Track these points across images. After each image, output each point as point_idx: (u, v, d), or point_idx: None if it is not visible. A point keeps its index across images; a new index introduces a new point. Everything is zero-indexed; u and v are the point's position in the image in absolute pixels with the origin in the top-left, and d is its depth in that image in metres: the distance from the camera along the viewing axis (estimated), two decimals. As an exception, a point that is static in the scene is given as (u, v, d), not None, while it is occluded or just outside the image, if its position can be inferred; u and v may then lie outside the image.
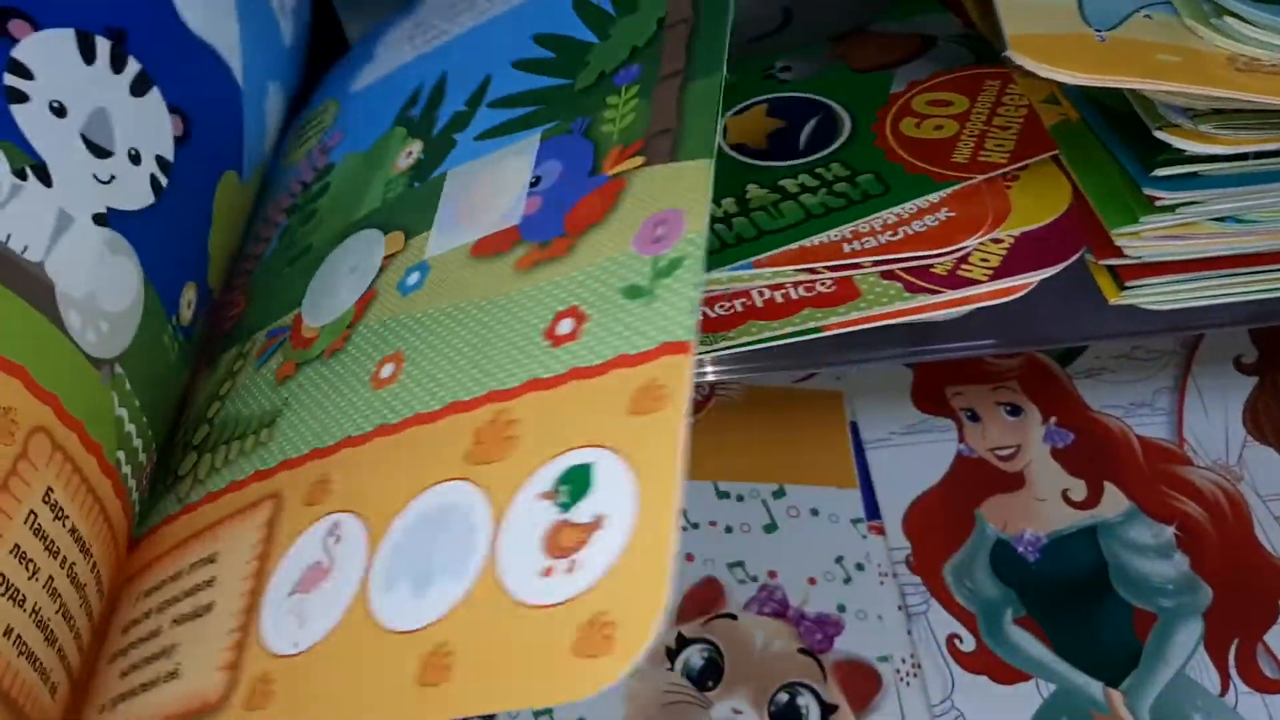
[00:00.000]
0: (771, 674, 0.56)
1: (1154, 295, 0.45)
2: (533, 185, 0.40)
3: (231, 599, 0.36)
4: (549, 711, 0.55)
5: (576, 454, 0.30)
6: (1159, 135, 0.41)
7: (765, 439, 0.64)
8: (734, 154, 0.50)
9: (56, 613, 0.35)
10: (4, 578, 0.33)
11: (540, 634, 0.28)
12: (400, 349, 0.38)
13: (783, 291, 0.44)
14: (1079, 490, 0.62)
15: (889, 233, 0.45)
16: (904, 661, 0.57)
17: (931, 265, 0.44)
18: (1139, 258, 0.44)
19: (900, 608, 0.59)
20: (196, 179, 0.46)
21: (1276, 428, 0.64)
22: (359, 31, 0.59)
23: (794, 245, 0.45)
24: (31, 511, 0.34)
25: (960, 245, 0.44)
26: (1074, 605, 0.58)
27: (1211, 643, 0.57)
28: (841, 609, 0.58)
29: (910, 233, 0.45)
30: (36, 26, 0.39)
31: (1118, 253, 0.44)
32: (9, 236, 0.36)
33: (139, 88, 0.43)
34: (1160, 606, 0.58)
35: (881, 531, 0.61)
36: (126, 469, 0.40)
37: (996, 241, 0.45)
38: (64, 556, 0.36)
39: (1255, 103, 0.39)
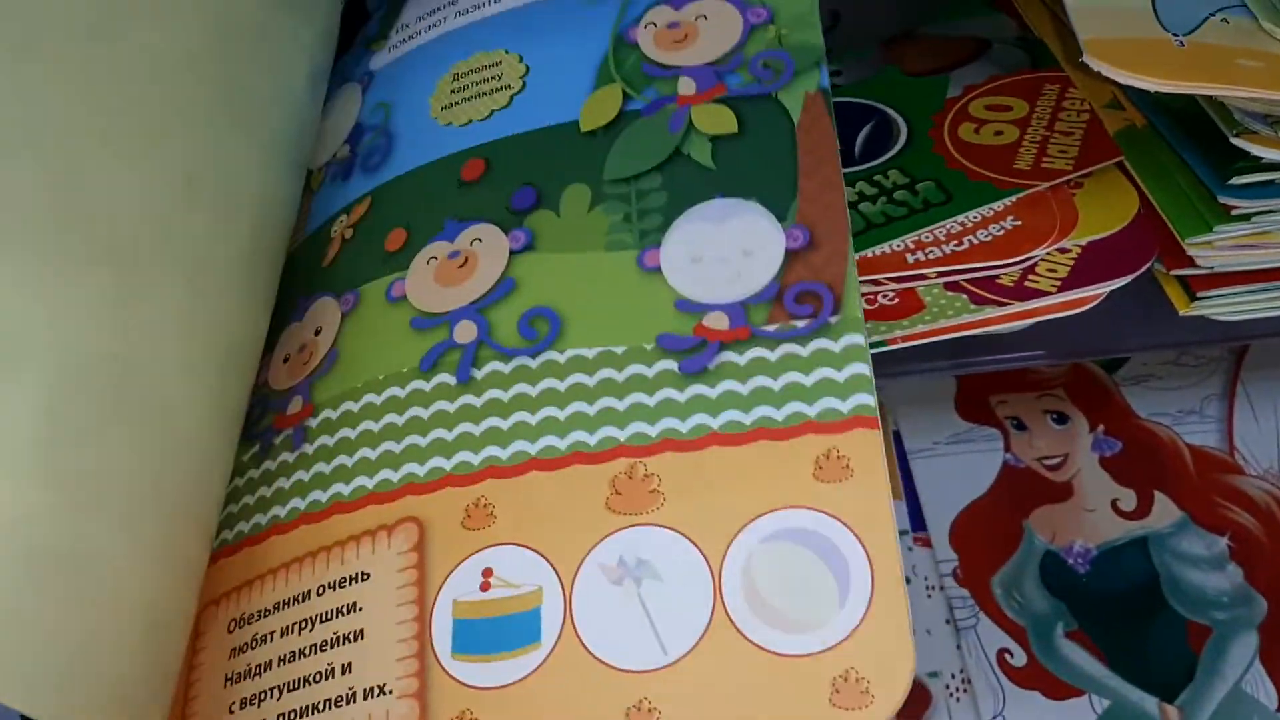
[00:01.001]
0: (820, 690, 0.55)
1: (1225, 306, 0.43)
2: None
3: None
4: None
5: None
6: (1236, 142, 0.40)
7: (808, 449, 0.63)
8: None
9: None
10: None
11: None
12: None
13: None
14: (1129, 500, 0.61)
15: (953, 242, 0.44)
16: (953, 677, 0.56)
17: (998, 276, 0.43)
18: (1211, 268, 0.43)
19: (948, 621, 0.57)
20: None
21: (1327, 435, 0.63)
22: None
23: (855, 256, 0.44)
24: None
25: (1028, 255, 0.43)
26: (1126, 618, 0.57)
27: (1267, 656, 0.56)
28: (890, 623, 0.57)
29: (975, 242, 0.44)
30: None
31: (1189, 262, 0.43)
32: None
33: None
34: (1214, 619, 0.57)
35: (928, 544, 0.60)
36: None
37: (1064, 251, 0.44)
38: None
39: (1338, 109, 0.38)
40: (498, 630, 0.34)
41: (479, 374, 0.38)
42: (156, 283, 0.36)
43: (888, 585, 0.33)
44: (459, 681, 0.34)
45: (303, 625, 0.37)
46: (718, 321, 0.37)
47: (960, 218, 0.45)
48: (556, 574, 0.34)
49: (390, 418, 0.39)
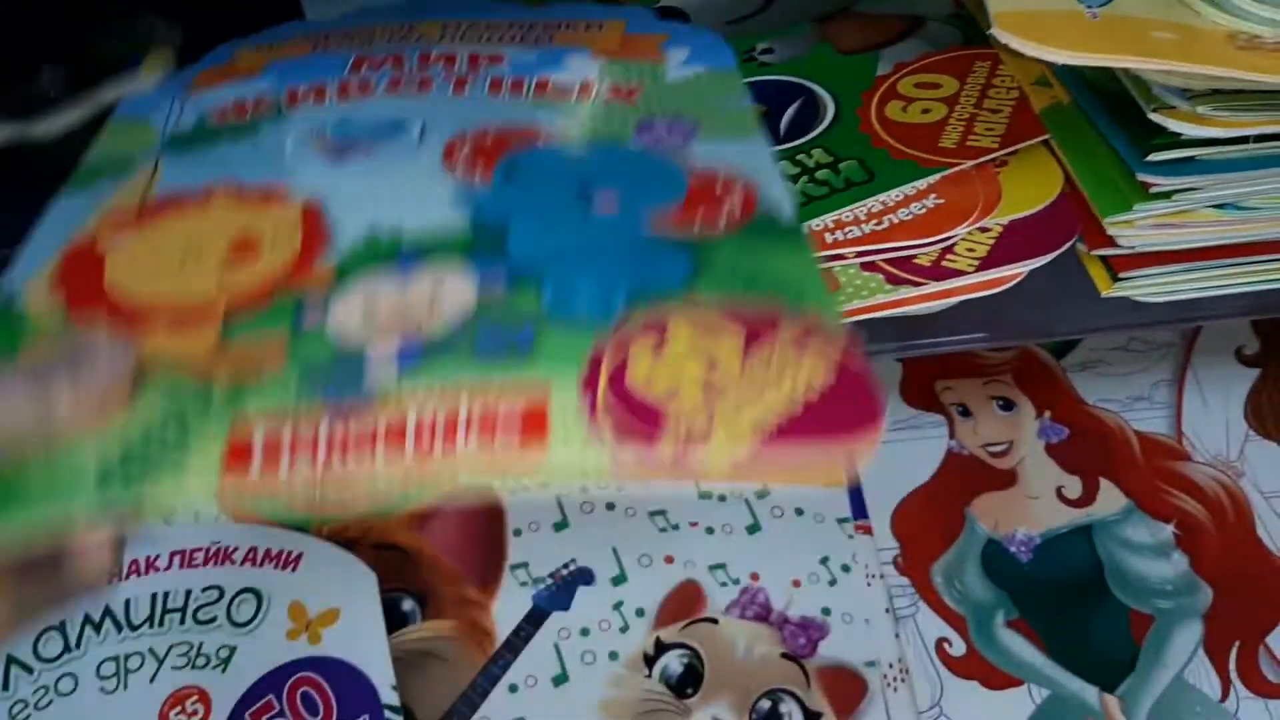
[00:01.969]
0: (753, 680, 0.54)
1: (1149, 287, 0.42)
2: None
3: None
4: (522, 721, 0.53)
5: None
6: (1154, 118, 0.39)
7: (749, 435, 0.62)
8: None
9: None
10: None
11: None
12: None
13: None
14: (1074, 487, 0.60)
15: (873, 222, 0.43)
16: (891, 666, 0.55)
17: (915, 256, 0.42)
18: (1133, 248, 0.42)
19: (888, 610, 0.56)
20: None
21: None
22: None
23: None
24: None
25: (948, 235, 0.42)
26: (1068, 607, 0.56)
27: (1212, 645, 0.55)
28: (826, 612, 0.56)
29: (896, 221, 0.43)
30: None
31: (1111, 242, 0.42)
32: None
33: None
34: (1158, 608, 0.56)
35: (869, 531, 0.59)
36: None
37: (984, 230, 0.43)
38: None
39: (1256, 83, 0.37)
40: None
41: None
42: None
43: None
44: None
45: None
46: None
47: (882, 196, 0.44)
48: None
49: None
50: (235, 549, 0.56)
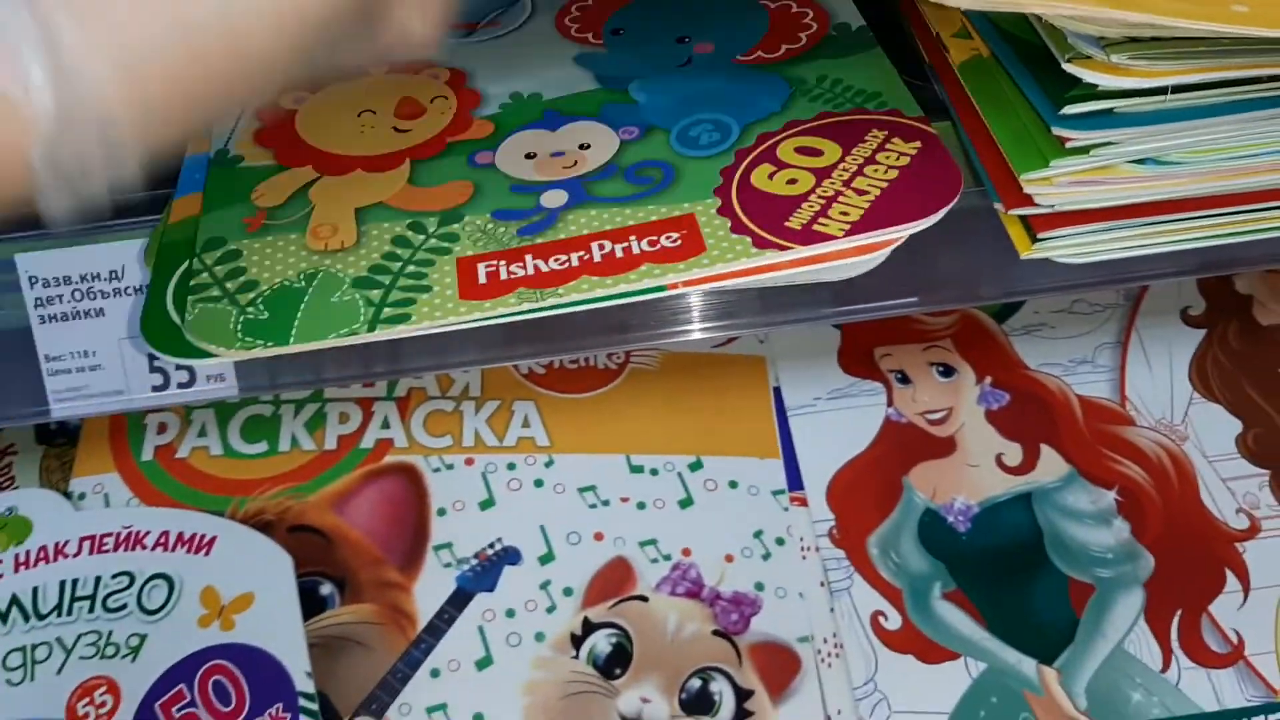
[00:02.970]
0: (683, 659, 0.53)
1: (1069, 247, 0.40)
2: None
3: None
4: (443, 707, 0.51)
5: None
6: (1069, 69, 0.37)
7: (683, 408, 0.60)
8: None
9: None
10: None
11: None
12: None
13: (624, 245, 0.40)
14: (1014, 454, 0.58)
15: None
16: (825, 641, 0.53)
17: (787, 218, 0.40)
18: (1051, 207, 0.40)
19: (822, 584, 0.55)
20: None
21: (1225, 383, 0.60)
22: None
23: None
24: None
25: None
26: (1007, 577, 0.55)
27: (1153, 614, 0.54)
28: (760, 587, 0.55)
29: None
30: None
31: (1029, 201, 0.40)
32: None
33: None
34: (1098, 577, 0.55)
35: (804, 503, 0.57)
36: None
37: (860, 193, 0.40)
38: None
39: (1173, 29, 0.35)
40: None
41: None
42: None
43: None
44: None
45: None
46: None
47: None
48: None
49: None
50: (147, 533, 0.54)
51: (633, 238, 0.40)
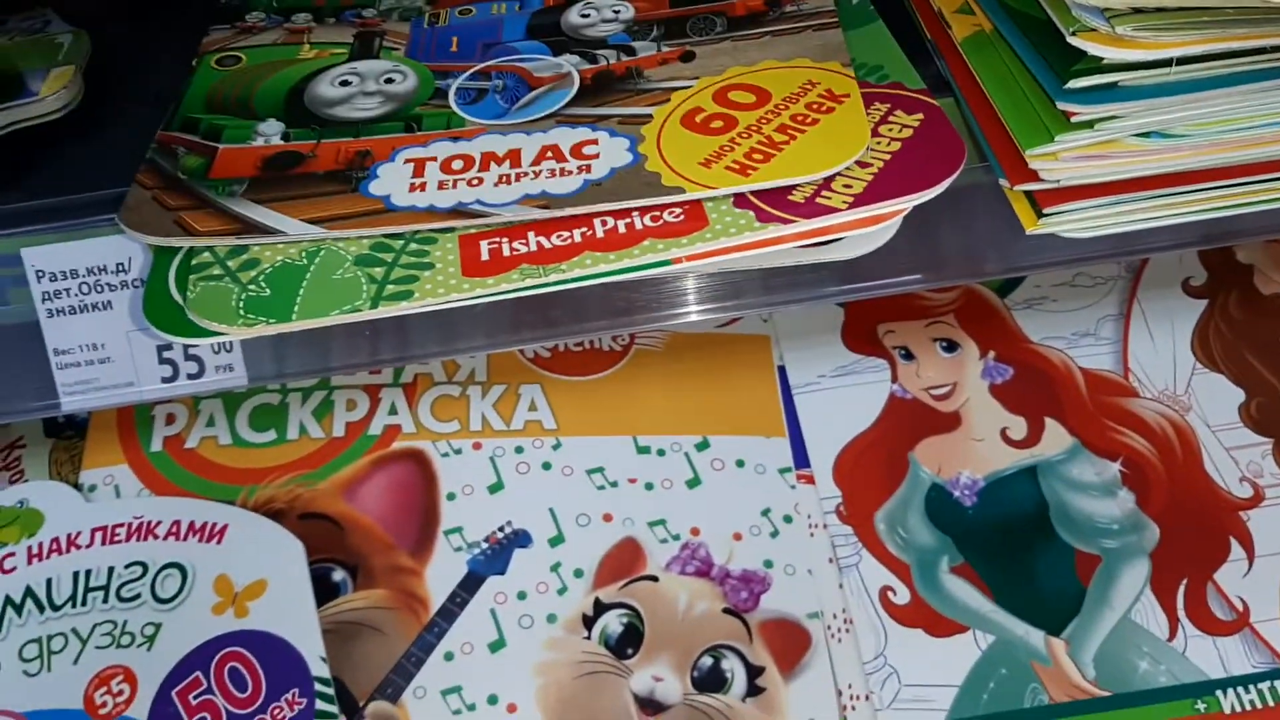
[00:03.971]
0: (695, 637, 0.53)
1: (1075, 222, 0.41)
2: None
3: None
4: (457, 690, 0.52)
5: None
6: (1073, 42, 0.37)
7: (688, 388, 0.60)
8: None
9: None
10: None
11: None
12: None
13: (627, 221, 0.40)
14: (1019, 428, 0.58)
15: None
16: (835, 617, 0.54)
17: (790, 191, 0.40)
18: (1057, 182, 0.40)
19: (831, 560, 0.55)
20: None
21: (1227, 353, 0.61)
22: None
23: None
24: None
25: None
26: (1013, 550, 0.55)
27: (1159, 584, 0.54)
28: (769, 565, 0.55)
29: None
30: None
31: (1034, 176, 0.40)
32: None
33: None
34: (1104, 548, 0.55)
35: (811, 480, 0.58)
36: None
37: (863, 166, 0.41)
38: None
39: None
40: None
41: None
42: None
43: None
44: None
45: None
46: None
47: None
48: None
49: None
50: (158, 523, 0.54)
51: (635, 213, 0.41)
